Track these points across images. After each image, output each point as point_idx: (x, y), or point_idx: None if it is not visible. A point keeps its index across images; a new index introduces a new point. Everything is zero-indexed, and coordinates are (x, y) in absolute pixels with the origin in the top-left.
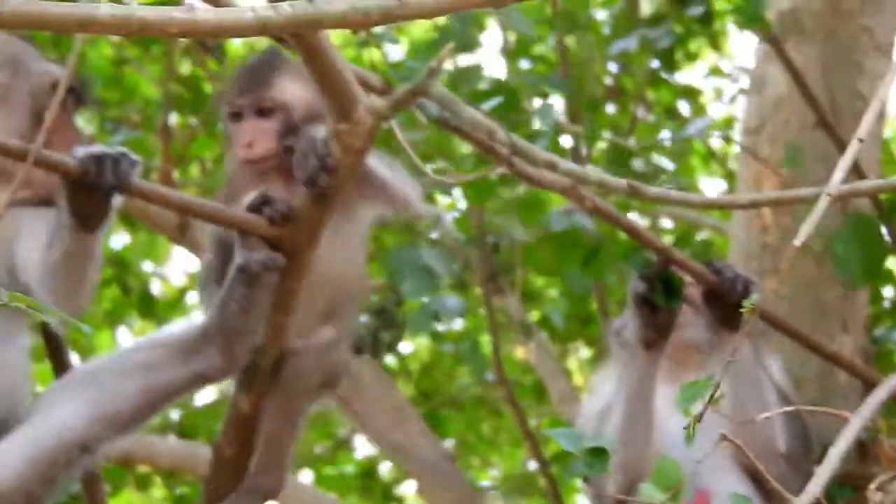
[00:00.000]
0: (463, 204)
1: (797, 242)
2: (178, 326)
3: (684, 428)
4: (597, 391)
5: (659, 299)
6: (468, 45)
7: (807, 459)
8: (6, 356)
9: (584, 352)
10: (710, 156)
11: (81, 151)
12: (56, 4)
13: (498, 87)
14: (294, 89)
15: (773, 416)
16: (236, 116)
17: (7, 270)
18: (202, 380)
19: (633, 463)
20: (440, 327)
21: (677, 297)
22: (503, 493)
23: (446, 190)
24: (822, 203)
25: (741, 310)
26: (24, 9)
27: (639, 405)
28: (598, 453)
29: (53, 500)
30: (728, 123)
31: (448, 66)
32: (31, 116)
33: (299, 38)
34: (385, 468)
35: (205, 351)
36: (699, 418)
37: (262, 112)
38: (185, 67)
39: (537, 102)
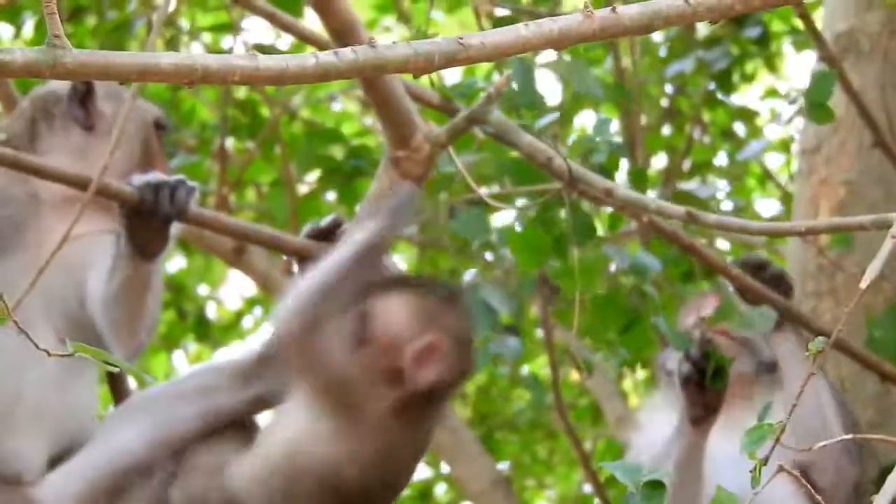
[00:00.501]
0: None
1: (863, 284)
2: (238, 351)
3: (750, 471)
4: (647, 427)
5: (706, 380)
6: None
7: (854, 470)
8: (76, 389)
9: (641, 373)
10: (766, 177)
11: (139, 179)
12: (119, 54)
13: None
14: None
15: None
16: None
17: (79, 302)
18: (261, 404)
19: None
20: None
21: (723, 377)
22: None
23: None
24: (888, 245)
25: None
26: (88, 59)
27: (688, 478)
28: (655, 486)
29: None
30: (785, 145)
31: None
32: (138, 147)
33: None
34: (441, 490)
35: (264, 375)
36: (765, 461)
37: None
38: (242, 91)
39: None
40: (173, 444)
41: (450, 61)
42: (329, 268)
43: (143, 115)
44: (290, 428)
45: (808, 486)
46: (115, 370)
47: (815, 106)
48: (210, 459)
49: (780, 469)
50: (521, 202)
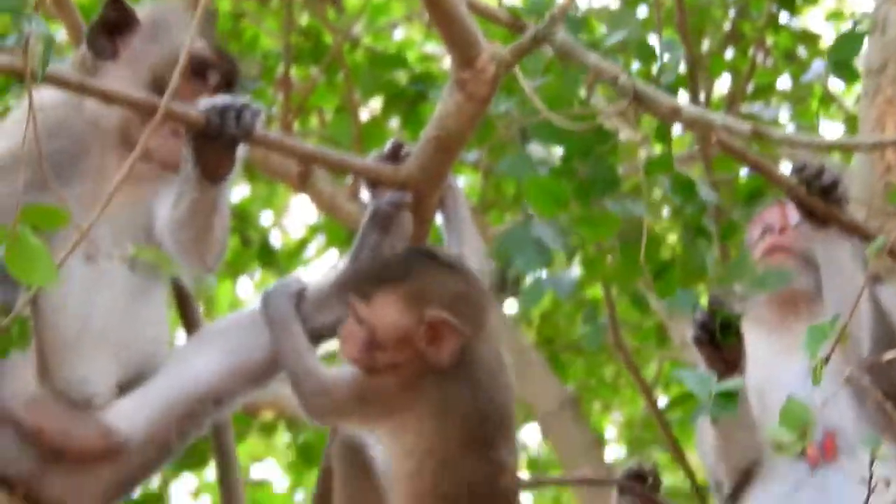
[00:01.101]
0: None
1: None
2: (309, 280)
3: (812, 369)
4: None
5: (719, 340)
6: None
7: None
8: (144, 315)
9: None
10: (829, 99)
11: (206, 103)
12: None
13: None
14: None
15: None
16: None
17: (146, 231)
18: (334, 330)
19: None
20: None
21: (735, 333)
22: (624, 440)
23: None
24: None
25: (830, 199)
26: None
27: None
28: (727, 396)
29: (184, 448)
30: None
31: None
32: (148, 87)
33: None
34: None
35: (335, 303)
36: (826, 360)
37: None
38: (305, 19)
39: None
40: (245, 372)
41: None
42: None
43: (166, 52)
44: None
45: (878, 392)
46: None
47: (840, 65)
48: None
49: (849, 377)
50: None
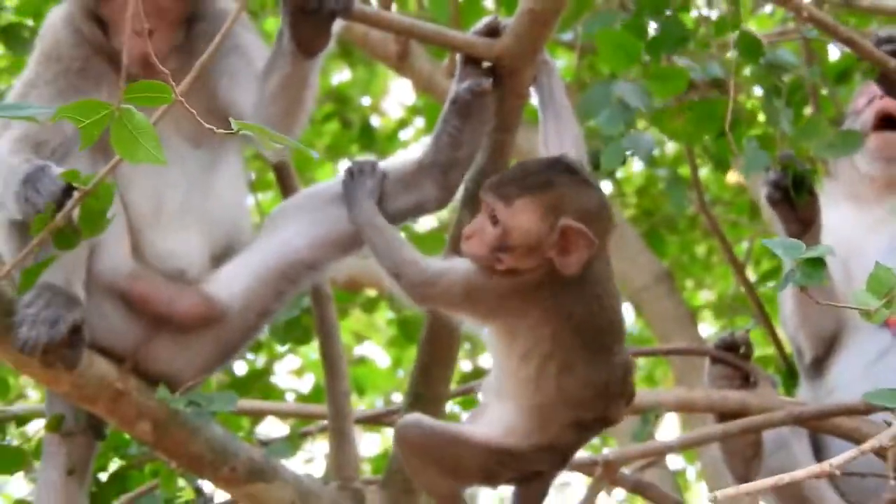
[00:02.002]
0: None
1: None
2: (398, 159)
3: None
4: None
5: (794, 198)
6: None
7: None
8: (219, 186)
9: None
10: None
11: None
12: None
13: None
14: None
15: None
16: None
17: (215, 111)
18: (420, 209)
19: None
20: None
21: (809, 190)
22: (715, 314)
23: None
24: None
25: None
26: None
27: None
28: (815, 263)
29: (282, 312)
30: None
31: None
32: None
33: None
34: None
35: (422, 183)
36: None
37: None
38: None
39: None
40: (336, 241)
41: None
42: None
43: None
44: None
45: None
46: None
47: None
48: None
49: None
50: None
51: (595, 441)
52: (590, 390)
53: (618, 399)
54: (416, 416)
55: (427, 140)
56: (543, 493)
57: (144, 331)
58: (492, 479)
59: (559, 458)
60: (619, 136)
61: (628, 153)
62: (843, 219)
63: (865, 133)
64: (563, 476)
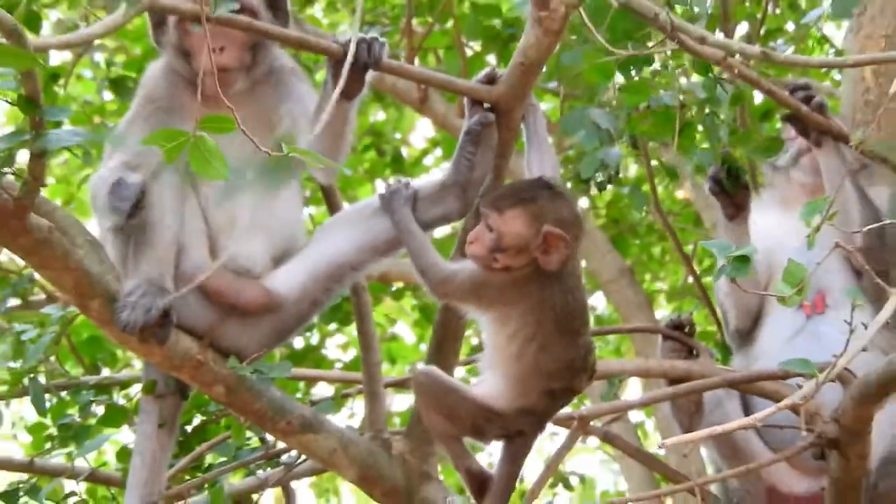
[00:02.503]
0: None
1: (891, 92)
2: (426, 180)
3: (807, 236)
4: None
5: (728, 188)
6: None
7: (882, 253)
8: (280, 203)
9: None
10: (822, 39)
11: (342, 38)
12: None
13: None
14: None
15: (853, 219)
16: None
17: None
18: (445, 219)
19: (744, 309)
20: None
21: (741, 182)
22: (668, 300)
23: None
24: None
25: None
26: None
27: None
28: (742, 260)
29: (330, 304)
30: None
31: None
32: None
33: None
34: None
35: (446, 198)
36: (818, 228)
37: None
38: None
39: None
40: (374, 247)
41: None
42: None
43: None
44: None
45: (858, 256)
46: (321, 168)
47: (840, 11)
48: None
49: (837, 245)
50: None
51: (574, 401)
52: (561, 364)
53: (581, 373)
54: (429, 367)
55: (446, 165)
56: (526, 451)
57: (217, 315)
58: (480, 434)
59: (537, 421)
60: (593, 150)
61: (613, 174)
62: (771, 220)
63: (801, 153)
64: (551, 428)
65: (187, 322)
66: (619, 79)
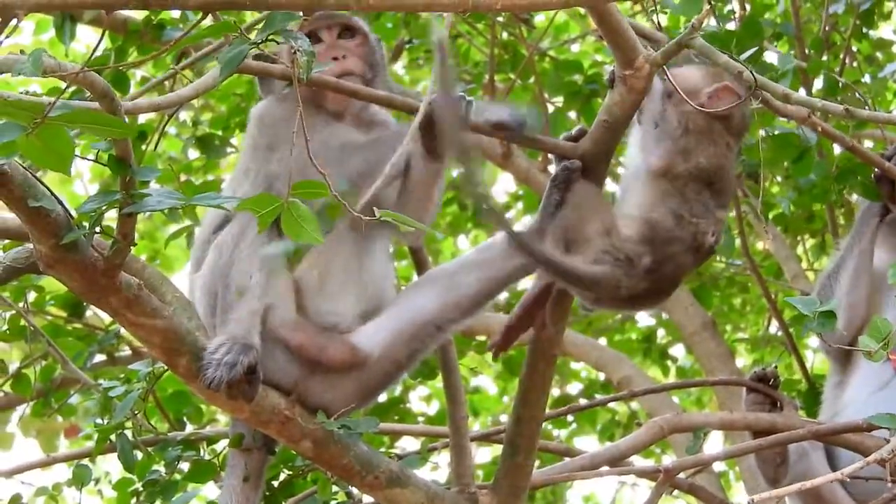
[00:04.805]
0: None
1: None
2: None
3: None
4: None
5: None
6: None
7: None
8: (371, 261)
9: (809, 242)
10: None
11: (432, 97)
12: None
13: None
14: None
15: None
16: None
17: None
18: (525, 271)
19: (855, 316)
20: None
21: None
22: (749, 350)
23: None
24: None
25: None
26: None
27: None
28: (828, 315)
29: (414, 368)
30: None
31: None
32: None
33: (593, 8)
34: (661, 334)
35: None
36: None
37: None
38: (504, 36)
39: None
40: (458, 305)
41: None
42: None
43: None
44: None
45: None
46: (411, 230)
47: None
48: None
49: None
50: None
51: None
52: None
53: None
54: None
55: (527, 218)
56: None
57: (303, 371)
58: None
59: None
60: None
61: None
62: (884, 257)
63: None
64: (632, 479)
65: (273, 377)
66: None
